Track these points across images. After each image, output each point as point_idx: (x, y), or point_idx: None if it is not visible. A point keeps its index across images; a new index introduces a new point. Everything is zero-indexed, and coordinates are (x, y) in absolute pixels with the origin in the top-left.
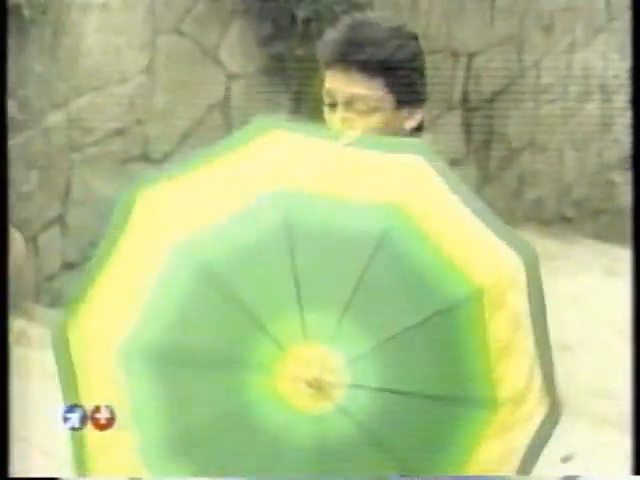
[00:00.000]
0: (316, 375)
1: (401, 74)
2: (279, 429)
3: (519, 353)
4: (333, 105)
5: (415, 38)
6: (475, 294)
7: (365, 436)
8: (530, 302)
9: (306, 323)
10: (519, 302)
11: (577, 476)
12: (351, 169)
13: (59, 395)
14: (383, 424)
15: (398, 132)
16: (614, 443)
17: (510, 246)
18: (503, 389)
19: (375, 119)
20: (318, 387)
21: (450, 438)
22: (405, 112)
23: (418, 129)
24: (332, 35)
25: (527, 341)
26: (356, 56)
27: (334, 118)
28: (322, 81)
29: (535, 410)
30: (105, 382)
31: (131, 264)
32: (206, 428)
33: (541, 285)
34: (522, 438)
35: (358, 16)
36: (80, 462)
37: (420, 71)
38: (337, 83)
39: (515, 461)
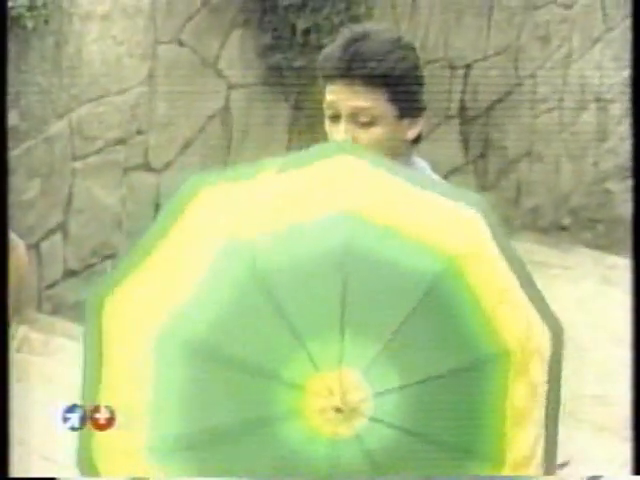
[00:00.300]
0: (344, 402)
1: (403, 85)
2: (296, 445)
3: (531, 421)
4: (335, 117)
5: (413, 49)
6: (503, 356)
7: (374, 469)
8: (550, 373)
9: (345, 349)
10: (540, 372)
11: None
12: (413, 207)
13: (59, 400)
14: (392, 461)
15: (400, 142)
16: (612, 449)
17: (542, 317)
18: (511, 452)
19: (378, 130)
20: (343, 413)
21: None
22: (406, 122)
23: (417, 139)
24: (333, 49)
25: (539, 411)
26: (359, 69)
27: (336, 130)
28: (321, 93)
29: (534, 476)
30: (132, 364)
31: (181, 253)
32: (225, 430)
33: (561, 361)
34: None
35: (357, 29)
36: (87, 462)
37: (419, 81)
38: (340, 96)
39: None
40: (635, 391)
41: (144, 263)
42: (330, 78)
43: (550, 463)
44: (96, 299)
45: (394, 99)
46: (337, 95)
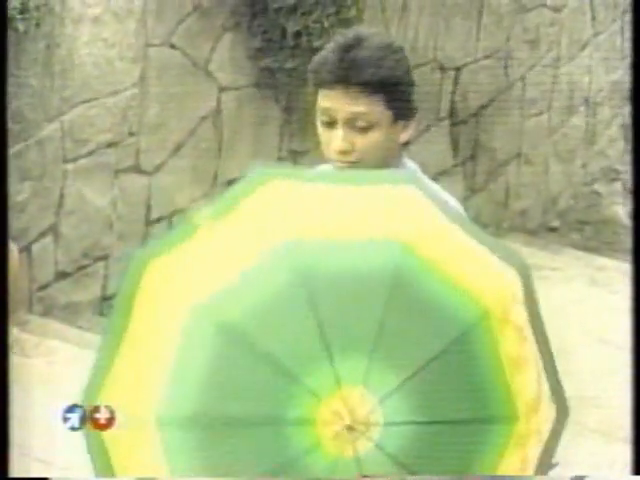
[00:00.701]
0: (353, 419)
1: (398, 89)
2: (324, 474)
3: (527, 364)
4: (331, 123)
5: (403, 52)
6: (483, 314)
7: (403, 469)
8: (528, 312)
9: (337, 370)
10: (520, 314)
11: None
12: (351, 208)
13: (50, 402)
14: (416, 456)
15: (394, 145)
16: (599, 450)
17: (504, 260)
18: (519, 402)
19: (375, 135)
20: (356, 430)
21: (477, 456)
22: (400, 125)
23: (407, 141)
24: (328, 56)
25: (532, 351)
26: (358, 76)
27: (333, 136)
28: (313, 98)
29: (546, 417)
30: (139, 454)
31: (148, 334)
32: (239, 422)
33: (535, 294)
34: (536, 447)
35: (349, 34)
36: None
37: (412, 84)
38: (337, 102)
39: (530, 470)
40: (635, 391)
41: (117, 358)
42: (326, 85)
43: (559, 396)
44: (89, 393)
45: (390, 103)
46: (334, 101)
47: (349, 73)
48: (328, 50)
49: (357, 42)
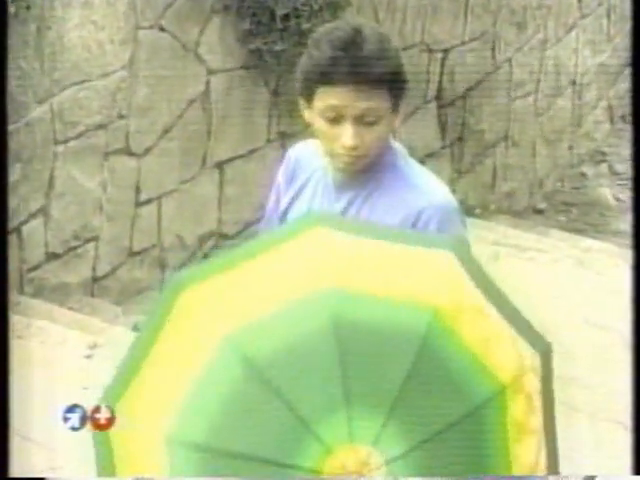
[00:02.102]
0: (359, 475)
1: (398, 79)
2: None
3: (530, 432)
4: (336, 120)
5: (390, 39)
6: (499, 391)
7: None
8: (542, 384)
9: (352, 425)
10: (533, 384)
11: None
12: (391, 266)
13: (38, 384)
14: None
15: (391, 133)
16: (582, 430)
17: (527, 340)
18: (517, 468)
19: (380, 127)
20: None
21: None
22: (395, 112)
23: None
24: (334, 54)
25: (537, 420)
26: (369, 72)
27: (339, 132)
28: (309, 94)
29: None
30: (145, 468)
31: (173, 358)
32: None
33: (552, 370)
34: None
35: (345, 29)
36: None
37: (405, 71)
38: (346, 99)
39: None
40: (635, 391)
41: (140, 371)
42: (333, 82)
43: (553, 462)
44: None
45: (392, 94)
46: (342, 99)
47: (361, 70)
48: (332, 48)
49: (358, 36)
